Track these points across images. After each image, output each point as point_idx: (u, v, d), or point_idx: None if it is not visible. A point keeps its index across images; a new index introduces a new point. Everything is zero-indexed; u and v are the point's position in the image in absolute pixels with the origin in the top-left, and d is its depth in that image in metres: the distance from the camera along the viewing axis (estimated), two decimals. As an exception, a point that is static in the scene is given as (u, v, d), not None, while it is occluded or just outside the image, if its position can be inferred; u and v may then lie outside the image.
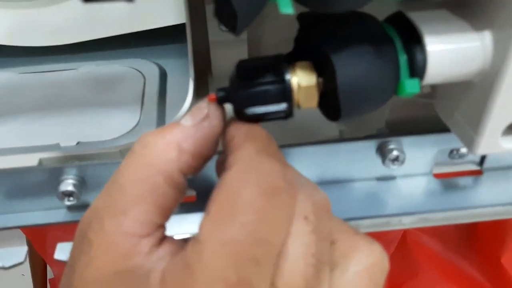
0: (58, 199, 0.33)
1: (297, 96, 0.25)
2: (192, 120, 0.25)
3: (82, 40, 0.48)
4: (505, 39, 0.25)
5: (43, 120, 0.42)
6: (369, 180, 0.37)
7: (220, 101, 0.25)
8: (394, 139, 0.35)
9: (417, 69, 0.26)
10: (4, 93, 0.46)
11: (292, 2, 0.20)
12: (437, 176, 0.37)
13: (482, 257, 0.62)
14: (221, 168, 0.28)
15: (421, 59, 0.26)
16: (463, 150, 0.36)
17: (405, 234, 0.62)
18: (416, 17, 0.26)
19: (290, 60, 0.26)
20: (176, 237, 0.25)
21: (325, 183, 0.36)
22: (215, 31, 0.41)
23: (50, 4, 0.48)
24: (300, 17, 0.27)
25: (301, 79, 0.25)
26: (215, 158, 0.27)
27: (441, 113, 0.32)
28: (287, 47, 0.29)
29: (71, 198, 0.32)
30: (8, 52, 0.50)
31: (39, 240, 0.57)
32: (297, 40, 0.28)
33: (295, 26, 0.27)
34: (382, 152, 0.35)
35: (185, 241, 0.23)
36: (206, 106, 0.25)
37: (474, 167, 0.38)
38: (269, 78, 0.25)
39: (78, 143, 0.39)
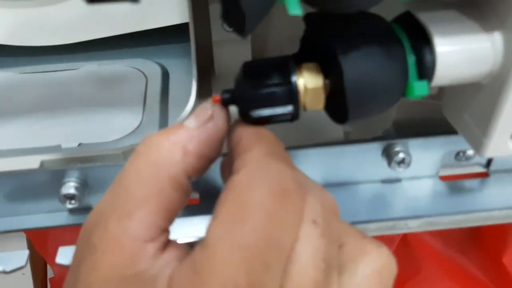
0: (60, 202, 0.32)
1: (304, 98, 0.25)
2: (196, 121, 0.24)
3: (83, 40, 0.48)
4: (515, 40, 0.24)
5: (44, 121, 0.42)
6: (375, 182, 0.37)
7: (225, 103, 0.25)
8: (400, 141, 0.34)
9: (426, 71, 0.26)
10: (5, 93, 0.45)
11: (300, 3, 0.20)
12: (443, 178, 0.37)
13: (484, 256, 0.62)
14: (226, 170, 0.28)
15: (430, 60, 0.25)
16: (470, 152, 0.36)
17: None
18: (425, 17, 0.26)
19: (296, 61, 0.25)
20: (179, 241, 0.25)
21: (331, 185, 0.36)
22: (218, 31, 0.41)
23: (52, 3, 0.47)
24: (307, 17, 0.26)
25: (308, 81, 0.25)
26: (219, 160, 0.26)
27: (448, 115, 0.31)
28: (291, 46, 0.28)
29: (73, 201, 0.32)
30: (9, 51, 0.49)
31: (40, 242, 0.56)
32: (304, 40, 0.27)
33: (299, 25, 0.27)
34: (388, 154, 0.34)
35: (189, 246, 0.23)
36: (210, 107, 0.25)
37: (481, 169, 0.38)
38: (275, 80, 0.24)
39: (79, 144, 0.38)
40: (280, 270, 0.20)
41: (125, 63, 0.49)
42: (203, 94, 0.43)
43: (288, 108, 0.25)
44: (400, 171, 0.35)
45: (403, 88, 0.25)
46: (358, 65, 0.24)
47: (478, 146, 0.29)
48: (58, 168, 0.32)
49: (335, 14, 0.24)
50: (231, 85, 0.26)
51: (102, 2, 0.17)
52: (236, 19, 0.19)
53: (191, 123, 0.24)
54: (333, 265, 0.22)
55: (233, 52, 0.42)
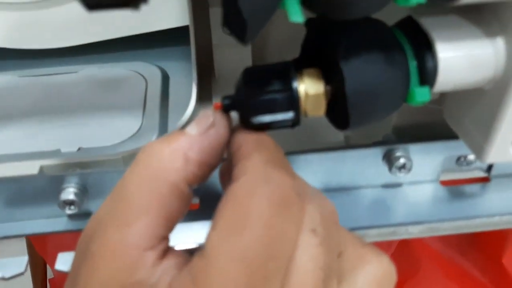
0: (59, 208, 0.32)
1: (305, 104, 0.25)
2: (197, 129, 0.24)
3: (83, 43, 0.47)
4: (518, 46, 0.24)
5: (43, 124, 0.42)
6: (376, 188, 0.36)
7: (226, 109, 0.25)
8: (401, 146, 0.34)
9: (428, 76, 0.25)
10: (4, 97, 0.45)
11: (301, 9, 0.19)
12: (444, 183, 0.37)
13: (483, 257, 0.62)
14: (225, 176, 0.27)
15: (432, 66, 0.25)
16: (471, 157, 0.36)
17: (406, 232, 0.62)
18: (427, 23, 0.26)
19: (297, 67, 0.25)
20: (179, 247, 0.25)
21: (331, 191, 0.36)
22: (219, 34, 0.41)
23: (51, 6, 0.47)
24: (308, 22, 0.26)
25: (309, 87, 0.24)
26: (219, 165, 0.26)
27: (449, 120, 0.31)
28: (291, 50, 0.28)
29: (72, 207, 0.32)
30: (9, 54, 0.49)
31: (40, 243, 0.56)
32: (305, 46, 0.27)
33: (300, 28, 0.27)
34: (389, 159, 0.34)
35: (189, 252, 0.23)
36: (211, 114, 0.25)
37: (482, 174, 0.38)
38: (276, 86, 0.24)
39: (79, 149, 0.38)
40: (279, 280, 0.20)
41: (125, 66, 0.49)
42: (203, 97, 0.43)
43: (289, 115, 0.24)
44: (401, 176, 0.35)
45: (405, 94, 0.25)
46: (359, 72, 0.24)
47: (479, 151, 0.28)
48: (57, 173, 0.32)
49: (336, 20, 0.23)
50: (231, 88, 0.26)
51: (102, 9, 0.17)
52: (237, 27, 0.19)
53: (193, 130, 0.24)
54: (332, 274, 0.22)
55: (233, 56, 0.42)
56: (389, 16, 0.26)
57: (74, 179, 0.32)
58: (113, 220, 0.22)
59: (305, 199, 0.23)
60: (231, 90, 0.25)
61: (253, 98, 0.24)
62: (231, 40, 0.36)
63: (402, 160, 0.34)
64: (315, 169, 0.35)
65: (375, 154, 0.34)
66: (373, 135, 0.37)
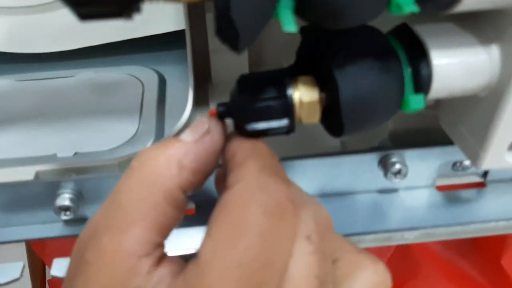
0: (55, 213, 0.32)
1: (299, 111, 0.25)
2: (192, 136, 0.24)
3: (80, 47, 0.47)
4: (513, 53, 0.24)
5: (39, 129, 0.42)
6: (371, 193, 0.36)
7: (221, 116, 0.25)
8: (396, 152, 0.34)
9: (422, 84, 0.25)
10: (0, 101, 0.45)
11: (295, 19, 0.20)
12: (440, 188, 0.37)
13: (482, 258, 0.62)
14: (220, 182, 0.27)
15: (427, 73, 0.25)
16: (467, 162, 0.36)
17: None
18: (421, 30, 0.26)
19: (292, 73, 0.25)
20: (175, 253, 0.25)
21: (327, 196, 0.36)
22: (215, 39, 0.41)
23: (48, 10, 0.47)
24: (303, 30, 0.26)
25: (303, 95, 0.24)
26: (214, 171, 0.26)
27: (445, 126, 0.31)
28: (289, 55, 0.28)
29: (68, 213, 0.32)
30: (5, 58, 0.49)
31: (39, 244, 0.56)
32: (299, 53, 0.27)
33: (297, 34, 0.27)
34: (385, 165, 0.34)
35: (184, 259, 0.23)
36: (206, 121, 0.25)
37: (478, 180, 0.38)
38: (270, 94, 0.24)
39: (75, 153, 0.38)
40: None
41: (122, 70, 0.49)
42: (200, 102, 0.43)
43: (283, 122, 0.24)
44: (397, 182, 0.35)
45: (400, 102, 0.25)
46: (353, 80, 0.24)
47: (475, 158, 0.28)
48: (53, 179, 0.32)
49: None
50: (228, 93, 0.26)
51: (95, 19, 0.17)
52: (230, 36, 0.19)
53: (188, 137, 0.24)
54: (327, 281, 0.22)
55: (230, 60, 0.42)
56: (384, 23, 0.26)
57: (69, 185, 0.32)
58: (107, 227, 0.22)
59: (299, 206, 0.23)
60: (228, 95, 0.25)
61: (247, 105, 0.24)
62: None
63: (397, 166, 0.34)
64: (311, 175, 0.35)
65: (370, 160, 0.34)
66: (370, 140, 0.37)
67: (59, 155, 0.38)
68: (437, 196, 0.37)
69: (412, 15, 0.25)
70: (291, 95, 0.24)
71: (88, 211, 0.33)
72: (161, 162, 0.23)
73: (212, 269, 0.20)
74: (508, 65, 0.25)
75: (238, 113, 0.25)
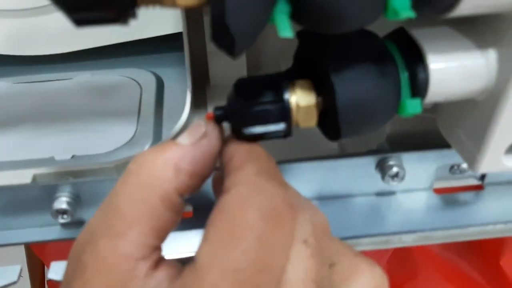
0: (52, 217, 0.32)
1: (296, 115, 0.25)
2: (189, 139, 0.24)
3: (77, 49, 0.47)
4: (511, 57, 0.24)
5: (37, 131, 0.42)
6: (369, 196, 0.36)
7: (218, 120, 0.25)
8: (394, 155, 0.34)
9: (419, 88, 0.25)
10: (-2, 103, 0.45)
11: (291, 24, 0.20)
12: (437, 191, 0.37)
13: (481, 259, 0.62)
14: (217, 185, 0.27)
15: (423, 77, 0.25)
16: (464, 165, 0.36)
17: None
18: (418, 34, 0.26)
19: (289, 77, 0.25)
20: (173, 256, 0.25)
21: (324, 199, 0.36)
22: (213, 41, 0.41)
23: (45, 13, 0.47)
24: (300, 34, 0.26)
25: (300, 99, 0.24)
26: (212, 174, 0.26)
27: (442, 129, 0.31)
28: (287, 58, 0.28)
29: (65, 216, 0.32)
30: (2, 61, 0.49)
31: (38, 248, 0.56)
32: (297, 56, 0.27)
33: (295, 38, 0.27)
34: (382, 168, 0.34)
35: (182, 262, 0.23)
36: (203, 125, 0.25)
37: (475, 182, 0.38)
38: (267, 98, 0.24)
39: (73, 156, 0.38)
40: None
41: (119, 72, 0.49)
42: (198, 104, 0.43)
43: (280, 126, 0.25)
44: (394, 185, 0.35)
45: (396, 106, 0.25)
46: (350, 84, 0.24)
47: (472, 161, 0.28)
48: (50, 182, 0.32)
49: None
50: (226, 95, 0.26)
51: (90, 25, 0.17)
52: (226, 42, 0.19)
53: (185, 140, 0.24)
54: (324, 285, 0.22)
55: (228, 63, 0.42)
56: (381, 27, 0.26)
57: (67, 188, 0.32)
58: (104, 231, 0.22)
59: (296, 210, 0.23)
60: (226, 98, 0.25)
61: (244, 109, 0.24)
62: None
63: (395, 169, 0.34)
64: (309, 178, 0.35)
65: (368, 163, 0.34)
66: (368, 143, 0.37)
67: (57, 158, 0.38)
68: (435, 199, 0.37)
69: (409, 19, 0.25)
70: (288, 99, 0.24)
71: (86, 214, 0.33)
72: (158, 165, 0.23)
73: (210, 273, 0.20)
74: (505, 69, 0.25)
75: (235, 117, 0.25)
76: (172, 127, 0.40)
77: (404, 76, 0.25)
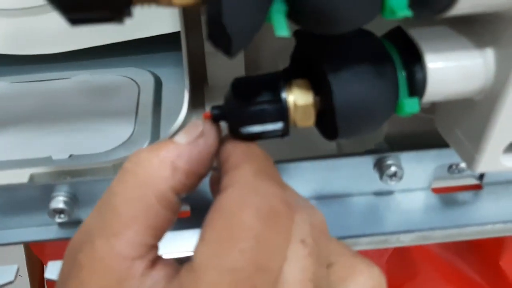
0: (49, 216, 0.32)
1: (294, 115, 0.24)
2: (186, 138, 0.24)
3: (75, 49, 0.47)
4: (508, 57, 0.24)
5: (35, 131, 0.42)
6: (367, 195, 0.36)
7: (215, 119, 0.25)
8: (392, 155, 0.34)
9: (417, 87, 0.25)
10: (-4, 103, 0.45)
11: (288, 23, 0.19)
12: (436, 190, 0.37)
13: (481, 259, 0.62)
14: (215, 184, 0.27)
15: (421, 77, 0.25)
16: (463, 165, 0.36)
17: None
18: (416, 34, 0.26)
19: (286, 77, 0.25)
20: (170, 256, 0.24)
21: (323, 198, 0.36)
22: (211, 41, 0.41)
23: (43, 12, 0.47)
24: (297, 33, 0.26)
25: (298, 98, 0.24)
26: (209, 174, 0.26)
27: (441, 129, 0.31)
28: (285, 58, 0.28)
29: (62, 215, 0.32)
30: (0, 60, 0.49)
31: (37, 247, 0.56)
32: (294, 56, 0.27)
33: (293, 37, 0.27)
34: (380, 168, 0.34)
35: (179, 262, 0.22)
36: (201, 124, 0.24)
37: (474, 182, 0.38)
38: (265, 97, 0.24)
39: (70, 155, 0.38)
40: None
41: (118, 72, 0.49)
42: (196, 104, 0.43)
43: (278, 125, 0.24)
44: (392, 185, 0.34)
45: (394, 105, 0.25)
46: (347, 84, 0.23)
47: (470, 161, 0.28)
48: (47, 182, 0.32)
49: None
50: (223, 95, 0.25)
51: (85, 24, 0.17)
52: (223, 42, 0.19)
53: (182, 139, 0.24)
54: (322, 285, 0.22)
55: (226, 63, 0.42)
56: (378, 26, 0.26)
57: (64, 188, 0.32)
58: (100, 230, 0.22)
59: (294, 210, 0.23)
60: (223, 98, 0.25)
61: (242, 109, 0.24)
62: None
63: (393, 169, 0.34)
64: (307, 177, 0.35)
65: (366, 163, 0.34)
66: (366, 143, 0.37)
67: (54, 157, 0.38)
68: (433, 198, 0.37)
69: (407, 19, 0.25)
70: (285, 99, 0.24)
71: (83, 214, 0.33)
72: (154, 164, 0.23)
73: (207, 273, 0.20)
74: (503, 68, 0.25)
75: (232, 116, 0.24)
76: (170, 126, 0.40)
77: (402, 76, 0.25)
